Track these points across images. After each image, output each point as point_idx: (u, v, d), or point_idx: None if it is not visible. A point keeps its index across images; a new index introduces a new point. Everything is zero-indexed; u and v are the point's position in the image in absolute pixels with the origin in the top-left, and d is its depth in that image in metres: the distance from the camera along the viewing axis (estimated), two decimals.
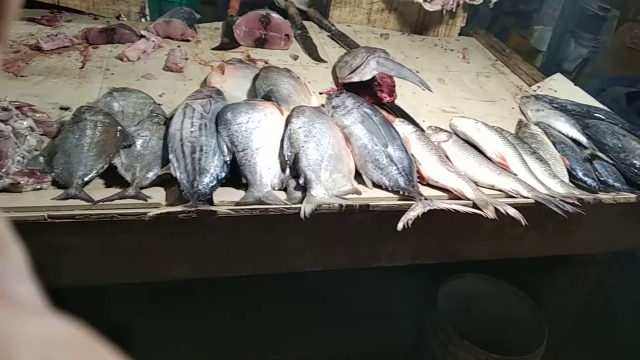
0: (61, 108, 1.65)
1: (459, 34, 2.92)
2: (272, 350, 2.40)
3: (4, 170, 1.29)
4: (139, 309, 2.24)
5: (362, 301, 2.51)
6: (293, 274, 1.67)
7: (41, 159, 1.38)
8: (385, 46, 2.44)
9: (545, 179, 1.63)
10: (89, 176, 1.33)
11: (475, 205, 1.43)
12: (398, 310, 2.50)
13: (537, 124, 1.99)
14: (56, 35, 2.04)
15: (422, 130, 1.78)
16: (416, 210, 1.35)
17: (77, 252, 1.27)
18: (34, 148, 1.43)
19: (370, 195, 1.46)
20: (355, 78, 1.99)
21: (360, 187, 1.47)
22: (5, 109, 1.44)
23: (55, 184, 1.32)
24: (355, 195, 1.43)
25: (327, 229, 1.47)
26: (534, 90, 2.38)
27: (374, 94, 1.95)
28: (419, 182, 1.51)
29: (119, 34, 2.13)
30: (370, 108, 1.71)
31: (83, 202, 1.24)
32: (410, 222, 1.32)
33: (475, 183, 1.54)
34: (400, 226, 1.31)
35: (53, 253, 1.27)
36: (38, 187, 1.30)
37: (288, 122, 1.58)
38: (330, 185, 1.42)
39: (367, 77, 1.94)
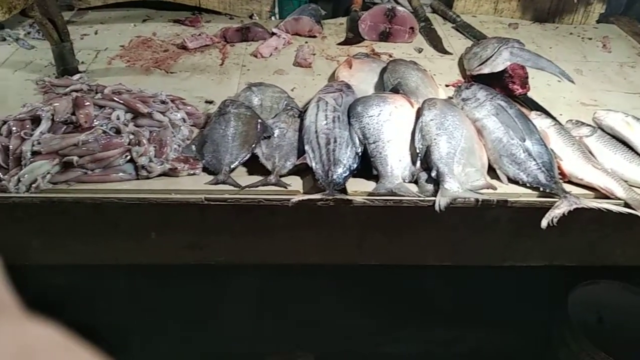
0: (206, 102, 1.81)
1: (597, 22, 2.68)
2: (384, 344, 2.41)
3: (164, 156, 1.44)
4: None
5: (481, 301, 2.43)
6: (413, 266, 1.66)
7: (193, 147, 1.52)
8: (514, 36, 2.32)
9: None
10: (235, 164, 1.45)
11: (627, 206, 1.32)
12: (521, 313, 2.38)
13: None
14: (199, 35, 2.23)
15: (561, 124, 1.67)
16: (562, 207, 1.28)
17: (228, 233, 1.38)
18: (187, 137, 1.58)
19: (506, 190, 1.41)
20: (486, 70, 1.92)
21: (494, 182, 1.42)
22: (163, 102, 1.61)
23: (205, 170, 1.45)
24: (489, 190, 1.39)
25: (459, 224, 1.44)
26: None
27: (504, 86, 1.87)
28: (560, 179, 1.42)
29: (253, 32, 2.26)
30: (504, 100, 1.64)
31: (231, 187, 1.35)
32: (555, 220, 1.25)
33: (625, 182, 1.42)
34: (544, 223, 1.25)
35: (205, 233, 1.40)
36: (192, 172, 1.44)
37: (419, 114, 1.57)
38: (463, 180, 1.40)
39: (499, 68, 1.87)
